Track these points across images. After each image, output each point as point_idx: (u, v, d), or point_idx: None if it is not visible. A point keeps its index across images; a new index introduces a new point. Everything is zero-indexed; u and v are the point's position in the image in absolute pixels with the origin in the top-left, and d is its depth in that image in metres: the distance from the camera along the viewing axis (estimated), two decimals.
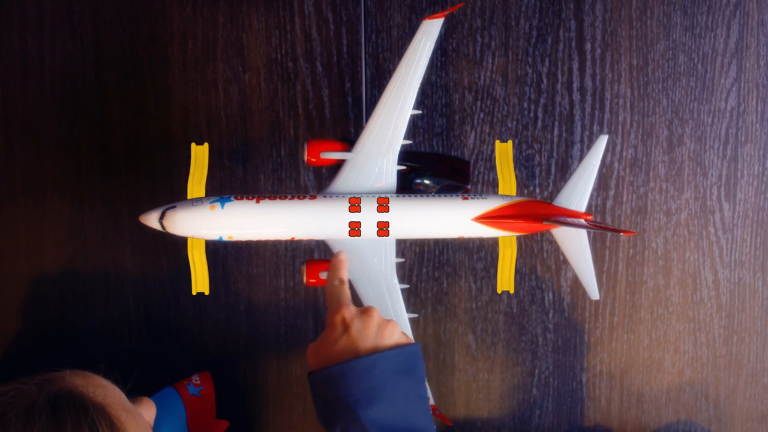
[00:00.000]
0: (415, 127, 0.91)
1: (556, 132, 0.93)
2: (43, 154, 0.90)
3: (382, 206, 0.72)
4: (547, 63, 0.92)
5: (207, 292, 0.73)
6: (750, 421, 0.98)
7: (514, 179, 0.74)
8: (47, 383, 0.63)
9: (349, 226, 0.72)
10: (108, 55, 0.90)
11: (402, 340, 0.68)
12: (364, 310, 0.68)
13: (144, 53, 0.90)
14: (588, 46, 0.92)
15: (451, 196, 0.74)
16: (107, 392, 0.64)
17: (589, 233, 0.79)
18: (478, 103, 0.92)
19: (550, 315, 0.95)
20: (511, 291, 0.75)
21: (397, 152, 0.75)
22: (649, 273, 0.95)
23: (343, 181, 0.75)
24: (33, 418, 0.58)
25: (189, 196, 0.72)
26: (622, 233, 0.69)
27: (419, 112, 0.78)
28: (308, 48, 0.90)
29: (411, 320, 0.76)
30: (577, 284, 0.94)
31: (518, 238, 0.76)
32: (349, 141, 0.77)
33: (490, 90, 0.92)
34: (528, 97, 0.92)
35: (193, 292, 0.73)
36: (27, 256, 0.91)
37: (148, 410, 0.69)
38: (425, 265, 0.94)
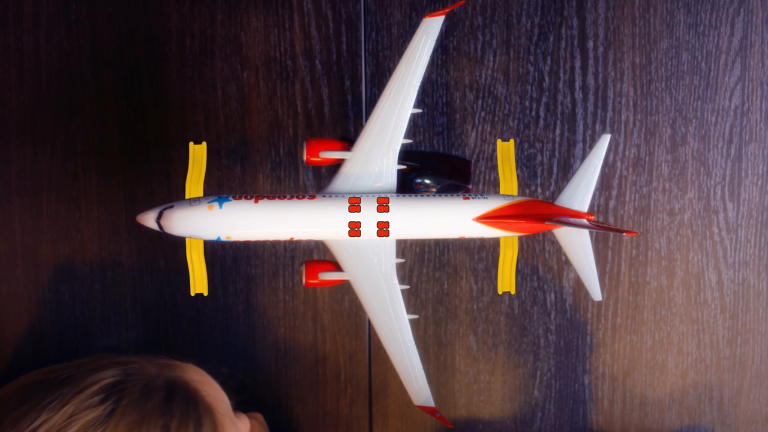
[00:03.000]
0: (415, 126, 0.91)
1: (558, 131, 0.92)
2: (39, 154, 0.90)
3: (382, 206, 0.71)
4: (549, 61, 0.91)
5: (205, 293, 0.72)
6: (755, 423, 0.98)
7: (516, 179, 0.74)
8: (168, 368, 0.67)
9: (349, 226, 0.71)
10: (105, 53, 0.89)
11: None
12: None
13: (141, 51, 0.89)
14: (590, 44, 0.91)
15: (452, 195, 0.73)
16: (218, 396, 0.68)
17: (591, 233, 0.79)
18: (480, 102, 0.91)
19: (552, 316, 0.94)
20: (513, 292, 0.74)
21: (398, 151, 0.74)
22: (652, 274, 0.94)
23: (342, 181, 0.74)
24: (149, 395, 0.61)
25: (187, 196, 0.71)
26: (624, 233, 0.68)
27: (420, 110, 0.77)
28: (307, 46, 0.89)
29: (411, 321, 0.75)
30: (579, 285, 0.93)
31: (520, 238, 0.75)
32: (348, 140, 0.76)
33: (491, 88, 0.91)
34: (530, 96, 0.91)
35: (192, 293, 0.72)
36: (23, 257, 0.91)
37: (244, 425, 0.74)
38: (426, 265, 0.93)
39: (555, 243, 0.93)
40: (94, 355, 0.68)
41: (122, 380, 0.62)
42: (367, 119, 0.75)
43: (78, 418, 0.58)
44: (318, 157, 0.75)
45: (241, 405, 0.84)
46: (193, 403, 0.63)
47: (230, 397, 0.72)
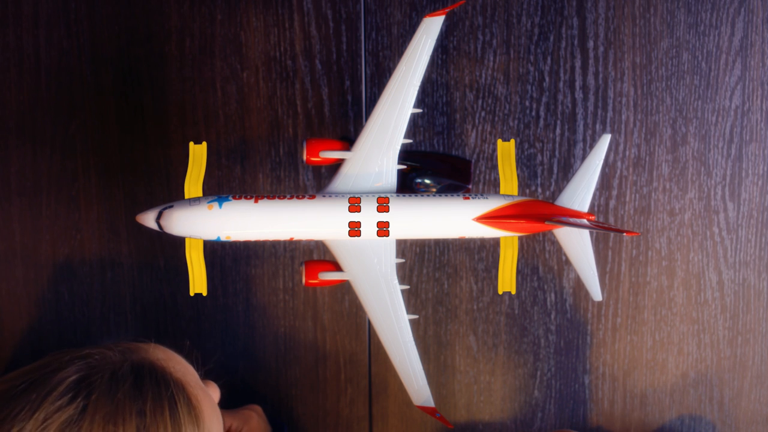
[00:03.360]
0: (415, 126, 0.91)
1: (558, 131, 0.92)
2: (39, 154, 0.89)
3: (382, 206, 0.71)
4: (549, 61, 0.91)
5: (205, 293, 0.72)
6: (755, 423, 0.97)
7: (516, 179, 0.73)
8: (130, 352, 0.65)
9: (349, 227, 0.71)
10: (104, 52, 0.89)
11: None
12: None
13: (141, 51, 0.89)
14: (591, 43, 0.91)
15: (452, 195, 0.73)
16: (185, 370, 0.66)
17: (591, 233, 0.79)
18: (480, 102, 0.91)
19: (552, 316, 0.94)
20: (513, 292, 0.74)
21: (398, 151, 0.74)
22: (652, 274, 0.94)
23: (342, 181, 0.74)
24: (117, 383, 0.60)
25: (186, 196, 0.71)
26: (625, 233, 0.68)
27: (420, 110, 0.77)
28: (307, 46, 0.89)
29: (411, 321, 0.75)
30: (579, 285, 0.93)
31: (520, 238, 0.75)
32: (348, 140, 0.76)
33: (491, 88, 0.91)
34: (530, 96, 0.91)
35: (191, 293, 0.72)
36: (22, 257, 0.90)
37: (214, 392, 0.73)
38: (426, 265, 0.93)
39: (555, 243, 0.92)
40: (52, 354, 0.65)
41: (87, 374, 0.60)
42: (367, 119, 0.75)
43: (51, 421, 0.57)
44: (318, 156, 0.75)
45: (232, 401, 0.84)
46: (163, 382, 0.62)
47: (197, 369, 0.71)
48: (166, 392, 0.61)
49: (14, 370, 0.64)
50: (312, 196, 0.72)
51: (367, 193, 0.73)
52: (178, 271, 0.91)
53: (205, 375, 0.72)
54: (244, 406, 0.87)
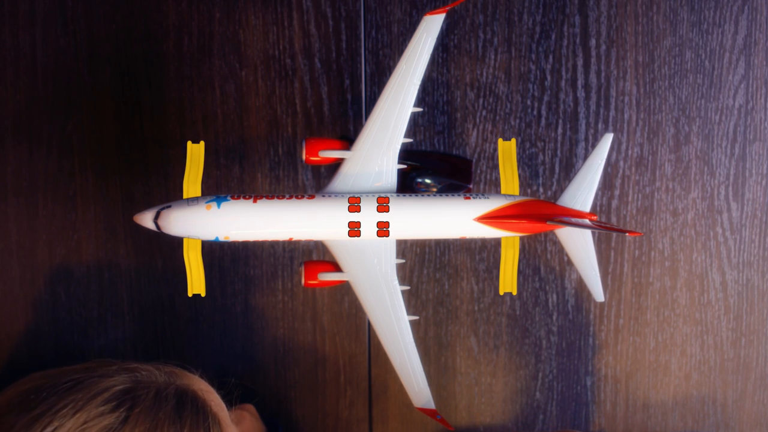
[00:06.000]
0: (415, 125, 0.90)
1: (560, 130, 0.91)
2: (35, 153, 0.89)
3: (382, 206, 0.71)
4: (550, 59, 0.90)
5: (203, 294, 0.71)
6: (758, 426, 0.97)
7: (517, 178, 0.73)
8: (176, 377, 0.68)
9: (349, 227, 0.70)
10: (102, 51, 0.88)
11: None
12: None
13: (138, 49, 0.88)
14: (593, 42, 0.90)
15: (453, 195, 0.73)
16: (221, 407, 0.69)
17: (593, 234, 0.78)
18: (481, 101, 0.90)
19: (554, 317, 0.94)
20: (514, 293, 0.73)
21: (398, 151, 0.73)
22: (655, 274, 0.94)
23: (342, 181, 0.74)
24: (160, 403, 0.62)
25: (184, 196, 0.71)
26: (627, 234, 0.67)
27: (420, 109, 0.76)
28: (306, 44, 0.88)
29: (412, 322, 0.75)
30: (581, 286, 0.93)
31: (521, 238, 0.75)
32: (348, 139, 0.76)
33: (492, 87, 0.90)
34: (531, 95, 0.90)
35: (189, 294, 0.71)
36: (18, 257, 0.90)
37: (251, 413, 0.78)
38: (426, 266, 0.92)
39: (557, 243, 0.92)
40: (99, 360, 0.68)
41: (133, 387, 0.62)
42: (367, 118, 0.74)
43: (92, 425, 0.58)
44: (317, 156, 0.74)
45: (230, 402, 0.84)
46: (202, 412, 0.64)
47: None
48: (204, 423, 0.63)
49: (55, 368, 0.65)
50: (311, 196, 0.71)
51: (367, 193, 0.72)
52: (176, 271, 0.91)
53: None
54: (236, 406, 0.86)
